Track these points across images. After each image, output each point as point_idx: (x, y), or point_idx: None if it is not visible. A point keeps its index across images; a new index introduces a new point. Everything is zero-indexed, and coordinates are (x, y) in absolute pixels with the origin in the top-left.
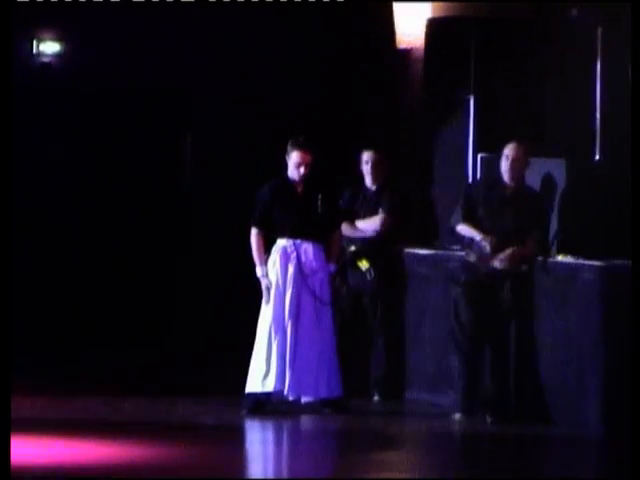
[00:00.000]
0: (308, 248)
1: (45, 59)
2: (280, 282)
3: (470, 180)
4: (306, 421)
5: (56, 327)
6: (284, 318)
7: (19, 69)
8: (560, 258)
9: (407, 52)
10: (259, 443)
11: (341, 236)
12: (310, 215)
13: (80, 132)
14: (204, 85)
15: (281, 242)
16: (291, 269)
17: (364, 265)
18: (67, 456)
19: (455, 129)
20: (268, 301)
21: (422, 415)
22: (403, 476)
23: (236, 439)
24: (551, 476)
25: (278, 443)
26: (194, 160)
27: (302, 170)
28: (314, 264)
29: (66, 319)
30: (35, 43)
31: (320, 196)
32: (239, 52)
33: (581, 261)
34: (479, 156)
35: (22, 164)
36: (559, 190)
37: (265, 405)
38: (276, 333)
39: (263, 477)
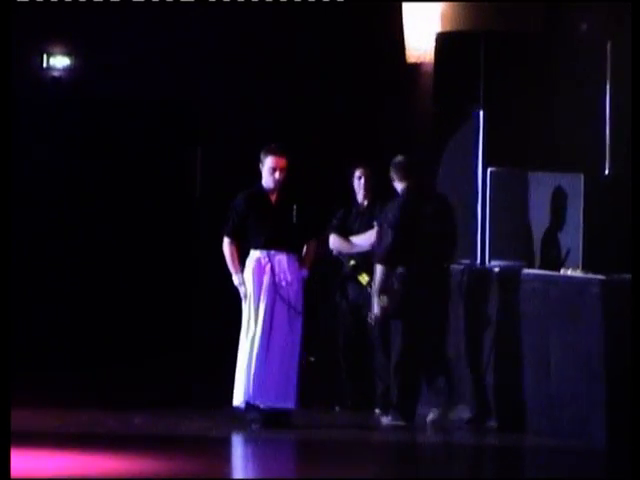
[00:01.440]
0: (282, 259)
1: (55, 73)
2: (254, 293)
3: (480, 193)
4: (308, 433)
5: (65, 340)
6: (258, 329)
7: (30, 83)
8: (569, 272)
9: (417, 66)
10: (270, 457)
11: (316, 246)
12: (284, 226)
13: (90, 145)
14: (214, 98)
15: (255, 253)
16: (265, 280)
17: (364, 279)
18: (75, 469)
19: (464, 143)
20: (246, 308)
21: (429, 428)
22: None
23: (244, 453)
24: None
25: (282, 456)
26: (204, 173)
27: (277, 175)
28: (288, 275)
29: (75, 332)
30: (45, 57)
31: (295, 206)
32: (249, 65)
33: (589, 275)
34: (488, 170)
35: (33, 176)
36: (570, 204)
37: (272, 415)
38: (251, 345)
39: None
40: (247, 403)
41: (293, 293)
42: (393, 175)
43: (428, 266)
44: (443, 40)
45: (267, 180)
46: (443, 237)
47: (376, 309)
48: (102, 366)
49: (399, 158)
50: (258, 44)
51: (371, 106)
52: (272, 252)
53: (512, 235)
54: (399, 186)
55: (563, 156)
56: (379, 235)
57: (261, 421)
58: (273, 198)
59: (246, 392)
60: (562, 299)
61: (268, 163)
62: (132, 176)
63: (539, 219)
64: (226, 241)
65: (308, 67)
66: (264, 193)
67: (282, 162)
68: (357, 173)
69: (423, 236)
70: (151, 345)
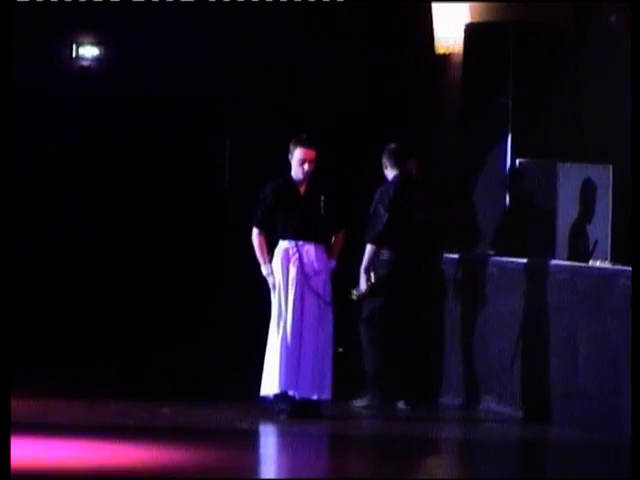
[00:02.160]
0: (310, 249)
1: (84, 63)
2: (283, 284)
3: (508, 185)
4: (337, 425)
5: (94, 332)
6: (288, 319)
7: (59, 73)
8: (597, 264)
9: (446, 57)
10: (294, 448)
11: (344, 237)
12: (312, 217)
13: (119, 136)
14: (243, 89)
15: (283, 244)
16: (293, 271)
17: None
18: (105, 459)
19: (493, 134)
20: (275, 298)
21: (455, 421)
22: None
23: (271, 444)
24: None
25: (312, 448)
26: (232, 165)
27: (306, 167)
28: (316, 265)
29: (104, 324)
30: (74, 47)
31: (323, 197)
32: (277, 56)
33: (617, 267)
34: (517, 161)
35: (59, 167)
36: (598, 195)
37: (301, 406)
38: (281, 335)
39: None
40: (278, 393)
41: (322, 283)
42: (385, 162)
43: (415, 252)
44: (472, 31)
45: (296, 171)
46: (432, 226)
47: (363, 286)
48: (130, 358)
49: (392, 146)
50: (286, 34)
51: (400, 97)
52: (300, 243)
53: (539, 226)
54: (390, 174)
55: (591, 147)
56: (373, 216)
57: (289, 411)
58: (302, 189)
59: (278, 382)
60: (590, 290)
61: (297, 155)
62: (160, 168)
63: (566, 210)
64: (255, 231)
65: (337, 58)
66: (293, 184)
67: (311, 154)
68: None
69: (412, 222)
70: (177, 337)
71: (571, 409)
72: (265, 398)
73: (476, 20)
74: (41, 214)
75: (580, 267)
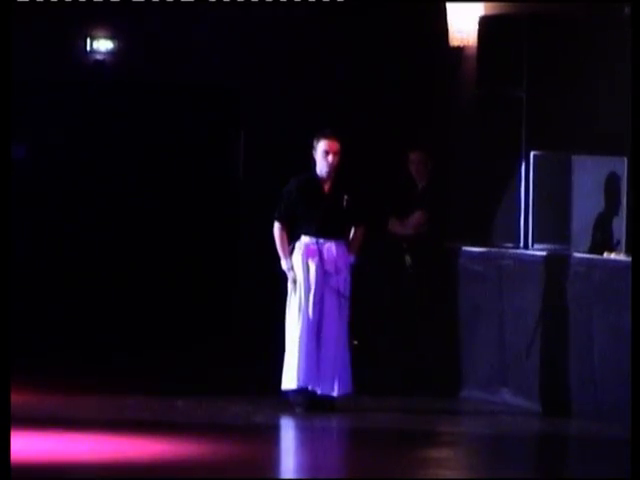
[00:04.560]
0: (331, 247)
1: (99, 57)
2: (303, 281)
3: (523, 177)
4: (355, 419)
5: (110, 326)
6: (308, 315)
7: (73, 66)
8: (612, 256)
9: (460, 50)
10: (311, 442)
11: (364, 234)
12: (335, 214)
13: (133, 129)
14: (256, 82)
15: (304, 240)
16: (313, 267)
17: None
18: (120, 453)
19: (508, 126)
20: (295, 293)
21: (474, 413)
22: (456, 475)
23: (287, 438)
24: (604, 477)
25: (330, 442)
26: (246, 157)
27: (330, 159)
28: (337, 263)
29: (120, 317)
30: (89, 41)
31: (346, 197)
32: (290, 50)
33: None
34: (532, 154)
35: (74, 160)
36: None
37: (318, 401)
38: (302, 330)
39: (316, 477)
40: (297, 388)
41: (342, 281)
42: None
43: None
44: (486, 24)
45: (321, 164)
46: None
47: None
48: (146, 352)
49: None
50: (302, 29)
51: (414, 90)
52: (321, 240)
53: (555, 219)
54: None
55: (606, 139)
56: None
57: (306, 405)
58: (326, 187)
59: (297, 377)
60: (605, 282)
61: (321, 147)
62: (175, 159)
63: (582, 202)
64: (276, 226)
65: (350, 52)
66: (317, 181)
67: (335, 145)
68: (411, 157)
69: None
70: (193, 330)
71: (588, 401)
72: (287, 392)
73: (490, 12)
74: (57, 206)
75: (595, 259)
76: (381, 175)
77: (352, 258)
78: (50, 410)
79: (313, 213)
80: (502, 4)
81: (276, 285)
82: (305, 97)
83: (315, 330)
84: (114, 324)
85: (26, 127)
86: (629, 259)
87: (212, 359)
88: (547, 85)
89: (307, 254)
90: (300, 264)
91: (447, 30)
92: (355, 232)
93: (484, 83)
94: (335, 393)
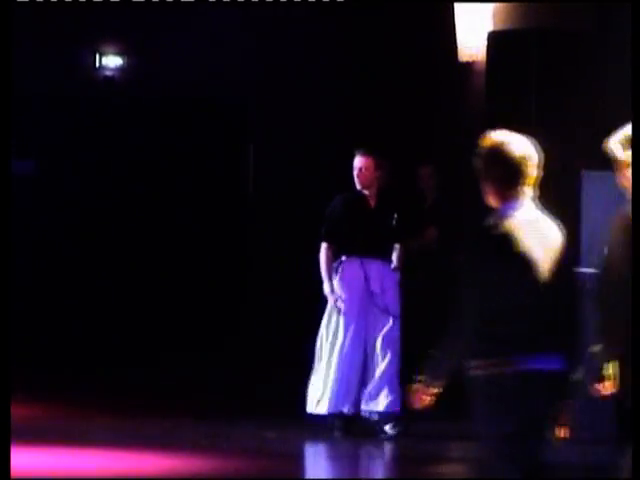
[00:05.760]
0: (377, 266)
1: (108, 73)
2: (345, 301)
3: None
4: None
5: (118, 340)
6: (352, 338)
7: (82, 82)
8: None
9: (469, 65)
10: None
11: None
12: (382, 232)
13: (143, 144)
14: (266, 96)
15: (348, 260)
16: (358, 288)
17: None
18: (128, 471)
19: None
20: (334, 316)
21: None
22: None
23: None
24: None
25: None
26: (256, 171)
27: (361, 174)
28: (383, 282)
29: (130, 331)
30: (98, 57)
31: (395, 215)
32: (301, 64)
33: None
34: None
35: (83, 175)
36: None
37: (354, 424)
38: (343, 354)
39: None
40: (333, 412)
41: (389, 299)
42: None
43: None
44: (495, 39)
45: (355, 182)
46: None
47: None
48: (162, 368)
49: None
50: (309, 43)
51: (423, 105)
52: (366, 259)
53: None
54: None
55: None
56: None
57: (344, 429)
58: (372, 203)
59: (333, 400)
60: None
61: (355, 164)
62: (185, 174)
63: (590, 218)
64: (323, 246)
65: (359, 66)
66: (363, 197)
67: (364, 161)
68: (420, 172)
69: None
70: (202, 343)
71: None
72: (313, 415)
73: (499, 28)
74: (66, 220)
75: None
76: (392, 190)
77: (397, 275)
78: (56, 425)
79: (358, 231)
80: (511, 18)
81: (289, 298)
82: (313, 112)
83: (360, 352)
84: (122, 338)
85: (35, 142)
86: None
87: (220, 372)
88: (556, 100)
89: (350, 275)
90: (342, 285)
91: (456, 45)
92: (400, 248)
93: (493, 98)
94: (381, 409)
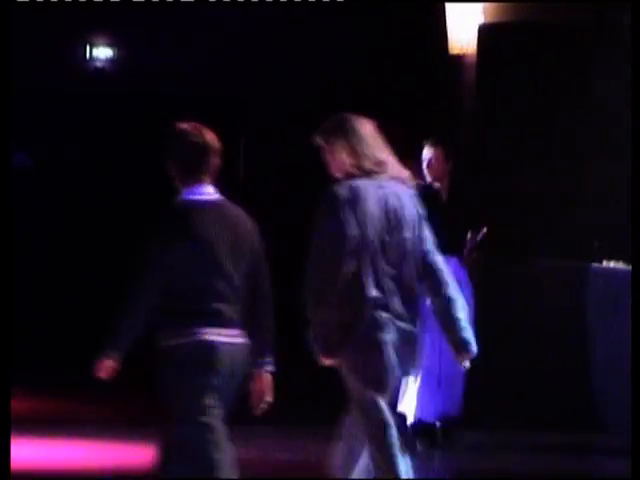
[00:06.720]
0: (450, 262)
1: (98, 64)
2: None
3: None
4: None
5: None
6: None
7: (72, 74)
8: (612, 265)
9: (459, 58)
10: None
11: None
12: (455, 227)
13: (133, 137)
14: (258, 91)
15: None
16: None
17: None
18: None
19: (508, 135)
20: None
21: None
22: None
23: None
24: None
25: None
26: (246, 166)
27: (428, 165)
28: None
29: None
30: (88, 48)
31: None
32: (293, 58)
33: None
34: None
35: (74, 169)
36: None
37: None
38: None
39: None
40: (413, 422)
41: (466, 297)
42: None
43: None
44: (486, 32)
45: (425, 174)
46: None
47: None
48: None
49: None
50: (301, 38)
51: (413, 98)
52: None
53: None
54: None
55: (609, 147)
56: None
57: (428, 441)
58: (444, 197)
59: (414, 411)
60: (608, 291)
61: (423, 155)
62: None
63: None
64: None
65: (350, 60)
66: (433, 189)
67: (433, 153)
68: (413, 164)
69: None
70: None
71: (589, 411)
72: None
73: (490, 21)
74: (57, 214)
75: (596, 268)
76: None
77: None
78: (53, 417)
79: (431, 227)
80: (502, 12)
81: (284, 296)
82: (304, 106)
83: (436, 355)
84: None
85: (25, 134)
86: (629, 267)
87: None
88: (549, 94)
89: None
90: None
91: (446, 38)
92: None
93: (484, 92)
94: (444, 414)
